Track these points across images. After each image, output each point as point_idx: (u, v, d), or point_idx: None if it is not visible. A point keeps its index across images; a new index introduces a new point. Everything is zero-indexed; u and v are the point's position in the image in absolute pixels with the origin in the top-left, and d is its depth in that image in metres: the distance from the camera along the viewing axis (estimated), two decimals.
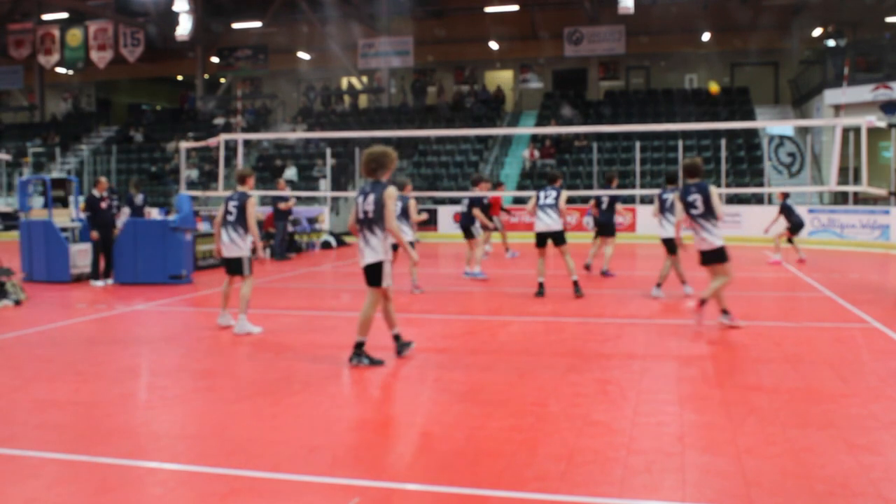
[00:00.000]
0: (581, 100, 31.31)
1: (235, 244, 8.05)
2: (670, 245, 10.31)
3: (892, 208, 19.97)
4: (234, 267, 8.19)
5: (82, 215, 13.00)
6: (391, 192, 6.48)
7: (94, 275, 12.40)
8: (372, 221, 6.44)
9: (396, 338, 6.81)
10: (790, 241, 15.23)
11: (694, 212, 8.07)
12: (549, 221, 10.34)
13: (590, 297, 10.66)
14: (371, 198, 6.46)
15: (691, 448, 4.40)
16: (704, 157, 25.53)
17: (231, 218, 8.06)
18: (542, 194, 10.48)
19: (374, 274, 6.49)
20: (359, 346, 6.52)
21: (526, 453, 4.34)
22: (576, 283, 10.54)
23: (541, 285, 10.60)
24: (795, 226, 14.91)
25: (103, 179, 12.92)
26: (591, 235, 14.62)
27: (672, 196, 10.28)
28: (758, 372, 6.21)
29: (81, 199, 17.13)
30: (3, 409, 5.39)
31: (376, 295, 6.56)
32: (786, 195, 15.20)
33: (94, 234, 12.15)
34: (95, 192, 12.58)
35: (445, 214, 24.24)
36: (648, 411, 5.13)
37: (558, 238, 10.39)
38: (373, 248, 6.46)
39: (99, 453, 4.39)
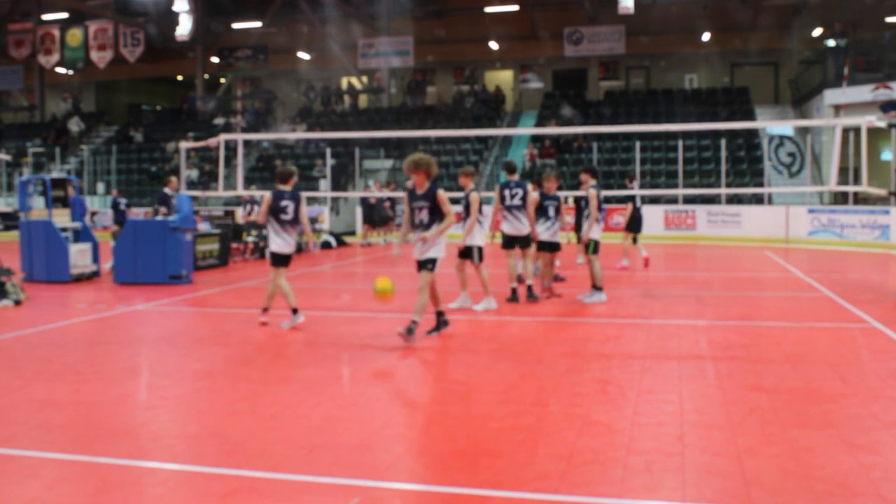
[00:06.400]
0: (581, 100, 31.30)
1: (470, 235, 9.24)
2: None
3: (892, 208, 19.98)
4: (464, 253, 9.40)
5: (162, 210, 13.88)
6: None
7: None
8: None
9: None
10: (635, 241, 14.21)
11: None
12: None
13: None
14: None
15: (691, 448, 4.40)
16: (704, 157, 25.57)
17: (462, 214, 9.46)
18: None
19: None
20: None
21: (526, 453, 4.34)
22: None
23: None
24: (634, 222, 14.00)
25: (174, 178, 14.28)
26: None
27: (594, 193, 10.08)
28: (758, 372, 6.21)
29: (85, 199, 17.10)
30: (3, 409, 5.39)
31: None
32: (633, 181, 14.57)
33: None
34: (168, 191, 14.01)
35: None
36: (648, 411, 5.13)
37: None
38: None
39: (99, 453, 4.39)
